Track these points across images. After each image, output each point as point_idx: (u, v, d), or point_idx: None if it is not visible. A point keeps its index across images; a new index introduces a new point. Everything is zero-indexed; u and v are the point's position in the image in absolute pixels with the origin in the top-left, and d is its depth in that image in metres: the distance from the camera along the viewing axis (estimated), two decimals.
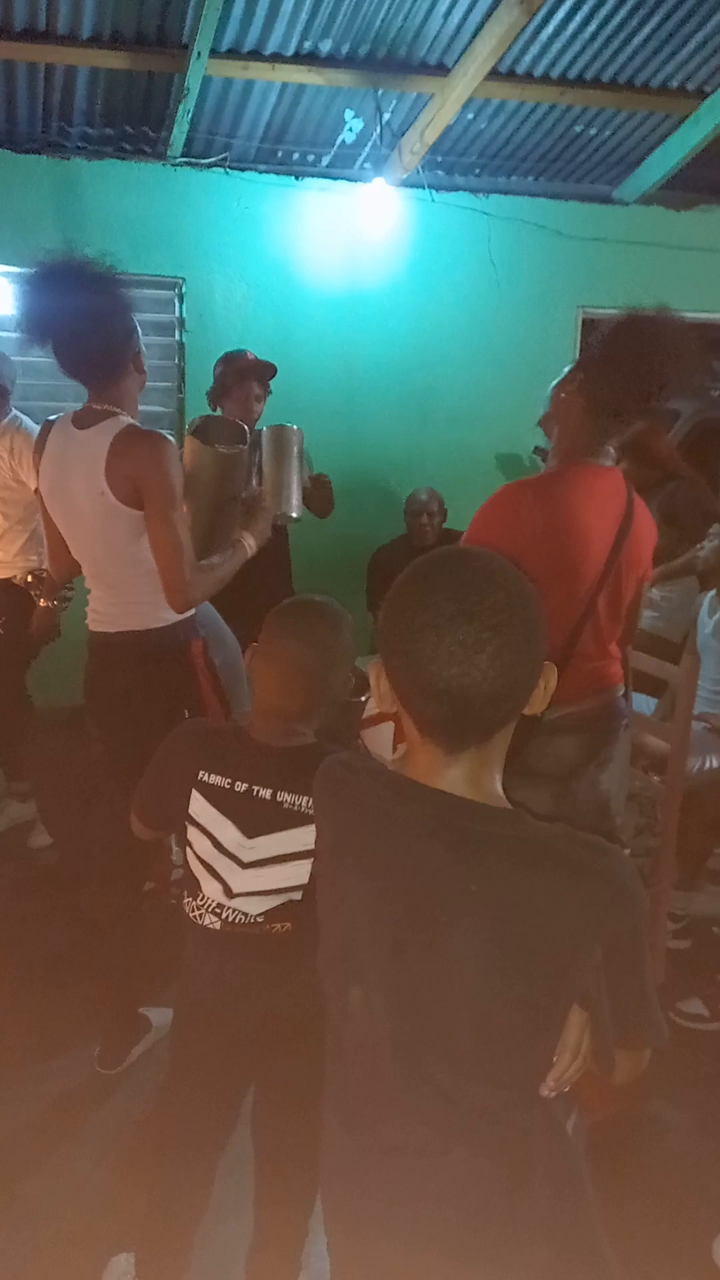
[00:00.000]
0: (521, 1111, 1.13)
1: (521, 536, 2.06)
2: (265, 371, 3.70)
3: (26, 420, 3.59)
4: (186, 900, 1.69)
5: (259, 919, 1.62)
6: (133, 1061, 2.60)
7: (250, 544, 2.52)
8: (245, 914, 1.62)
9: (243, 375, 3.67)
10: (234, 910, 1.63)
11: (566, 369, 2.28)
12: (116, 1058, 2.58)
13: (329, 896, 1.23)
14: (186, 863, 1.69)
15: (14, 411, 3.61)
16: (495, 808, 1.09)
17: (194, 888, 1.66)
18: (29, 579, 3.54)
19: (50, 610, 3.54)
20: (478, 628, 1.01)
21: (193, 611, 2.43)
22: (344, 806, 1.21)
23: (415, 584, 1.07)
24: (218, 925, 1.64)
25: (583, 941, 1.05)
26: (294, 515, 3.05)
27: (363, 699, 2.58)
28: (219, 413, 3.72)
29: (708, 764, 3.28)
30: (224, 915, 1.63)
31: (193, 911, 1.67)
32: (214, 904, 1.64)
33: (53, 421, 2.43)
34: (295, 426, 3.08)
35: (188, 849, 1.67)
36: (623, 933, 1.06)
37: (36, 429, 3.34)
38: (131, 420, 2.32)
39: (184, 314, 4.92)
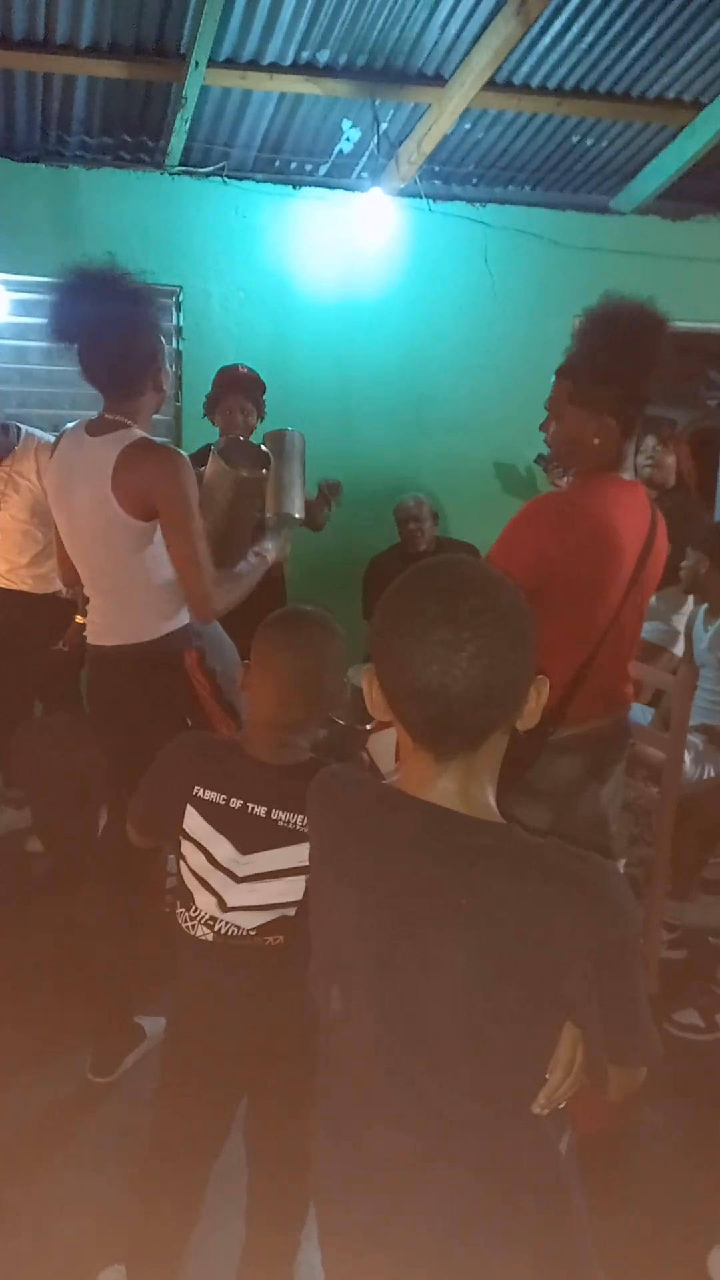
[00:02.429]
0: (509, 1125, 1.12)
1: (551, 551, 2.04)
2: (252, 385, 3.74)
3: (40, 434, 3.54)
4: (180, 911, 1.69)
5: (252, 932, 1.62)
6: (125, 1070, 2.59)
7: (272, 555, 2.57)
8: (239, 927, 1.62)
9: (229, 387, 3.75)
10: (227, 923, 1.63)
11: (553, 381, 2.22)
12: (109, 1066, 2.58)
13: (319, 907, 1.23)
14: (180, 874, 1.69)
15: (23, 429, 3.54)
16: (485, 820, 1.08)
17: (187, 899, 1.66)
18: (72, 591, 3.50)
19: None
20: (457, 628, 1.01)
21: (187, 622, 2.44)
22: (335, 817, 1.21)
23: (403, 590, 1.08)
24: (210, 937, 1.64)
25: (571, 953, 1.04)
26: (297, 516, 3.08)
27: (367, 727, 2.60)
28: (209, 420, 3.86)
29: (706, 773, 3.28)
30: (216, 928, 1.63)
31: (185, 922, 1.67)
32: (207, 916, 1.64)
33: (68, 429, 2.45)
34: (298, 431, 3.12)
35: (181, 862, 1.67)
36: (613, 945, 1.06)
37: (49, 437, 3.35)
38: (143, 433, 2.34)
39: (181, 323, 4.92)
